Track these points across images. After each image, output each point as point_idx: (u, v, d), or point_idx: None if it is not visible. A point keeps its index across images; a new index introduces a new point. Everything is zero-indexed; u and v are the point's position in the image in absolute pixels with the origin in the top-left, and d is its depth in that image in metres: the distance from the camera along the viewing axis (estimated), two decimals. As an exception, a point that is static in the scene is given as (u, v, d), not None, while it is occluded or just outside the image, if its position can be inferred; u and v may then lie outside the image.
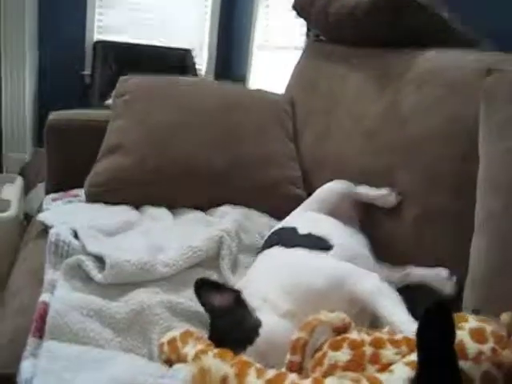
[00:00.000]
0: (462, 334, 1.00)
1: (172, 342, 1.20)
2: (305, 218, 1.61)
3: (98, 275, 1.35)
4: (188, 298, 1.41)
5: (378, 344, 1.00)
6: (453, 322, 0.81)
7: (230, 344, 1.13)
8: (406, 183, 1.65)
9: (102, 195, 1.82)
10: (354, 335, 1.02)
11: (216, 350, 1.11)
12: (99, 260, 1.39)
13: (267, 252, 1.48)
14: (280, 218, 1.86)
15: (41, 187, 2.24)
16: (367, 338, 1.02)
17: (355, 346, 0.99)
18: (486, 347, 0.97)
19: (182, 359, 1.16)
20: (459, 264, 1.36)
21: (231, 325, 1.20)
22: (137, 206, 1.85)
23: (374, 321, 1.29)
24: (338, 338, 1.02)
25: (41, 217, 1.69)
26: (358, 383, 0.91)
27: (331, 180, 1.89)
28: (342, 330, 1.05)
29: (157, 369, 1.05)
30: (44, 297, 1.28)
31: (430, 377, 0.77)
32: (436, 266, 1.50)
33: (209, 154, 1.90)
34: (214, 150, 1.91)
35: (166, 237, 1.60)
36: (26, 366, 1.08)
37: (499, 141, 1.22)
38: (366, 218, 1.73)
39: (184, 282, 1.46)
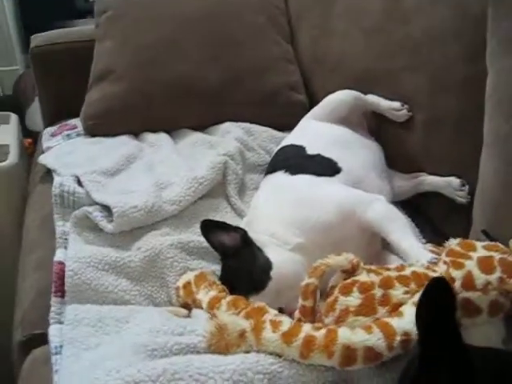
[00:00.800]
0: (470, 265, 1.01)
1: (187, 286, 1.23)
2: (315, 133, 1.54)
3: (107, 226, 1.35)
4: (198, 234, 1.43)
5: (387, 284, 1.02)
6: (453, 298, 0.81)
7: (242, 289, 1.17)
8: (411, 87, 1.57)
9: (100, 129, 1.78)
10: (363, 277, 1.03)
11: (229, 299, 1.14)
12: (106, 208, 1.39)
13: (273, 179, 1.44)
14: (284, 128, 1.83)
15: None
16: (376, 279, 1.03)
17: (365, 289, 1.01)
18: (494, 277, 0.99)
19: (197, 305, 1.20)
20: (471, 170, 1.33)
21: (242, 268, 1.21)
22: (136, 133, 1.81)
23: (385, 246, 1.31)
24: (348, 281, 1.03)
25: (42, 159, 1.67)
26: (370, 331, 0.94)
27: (332, 81, 1.82)
28: (351, 271, 1.06)
29: (176, 325, 1.08)
30: (59, 255, 1.30)
31: (431, 360, 0.78)
32: (449, 173, 1.48)
33: (202, 70, 1.82)
34: (207, 66, 1.82)
35: (169, 170, 1.58)
36: (53, 334, 1.13)
37: (506, 55, 1.13)
38: (374, 126, 1.67)
39: (193, 216, 1.46)
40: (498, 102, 1.15)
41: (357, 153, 1.49)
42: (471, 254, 1.03)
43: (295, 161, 1.44)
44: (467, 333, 1.01)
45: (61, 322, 1.18)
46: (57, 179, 1.48)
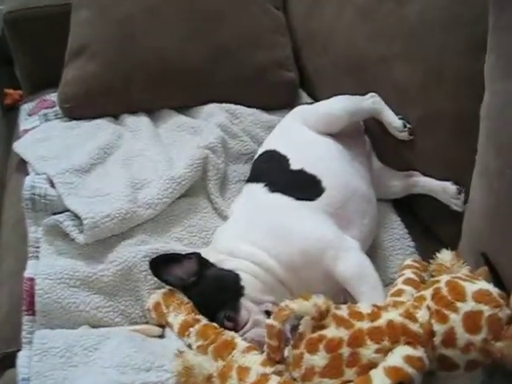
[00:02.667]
0: (455, 320, 0.96)
1: (157, 307, 1.21)
2: (302, 143, 1.42)
3: (78, 237, 1.30)
4: (175, 238, 1.38)
5: (356, 342, 0.96)
6: None
7: (217, 309, 1.13)
8: (404, 77, 1.46)
9: (76, 112, 1.69)
10: (331, 332, 0.97)
11: (198, 327, 1.11)
12: (76, 215, 1.34)
13: (251, 191, 1.36)
14: (272, 108, 1.74)
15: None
16: (345, 335, 0.97)
17: (332, 347, 0.96)
18: (478, 338, 0.94)
19: (170, 325, 1.18)
20: (468, 174, 1.25)
21: (210, 289, 1.17)
22: (115, 115, 1.72)
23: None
24: (315, 336, 0.98)
25: (16, 148, 1.61)
26: None
27: (323, 63, 1.71)
28: (318, 318, 1.01)
29: (143, 359, 1.06)
30: (29, 271, 1.26)
31: None
32: (444, 176, 1.39)
33: (184, 47, 1.70)
34: (189, 42, 1.70)
35: (146, 164, 1.51)
36: (21, 364, 1.10)
37: (503, 77, 1.03)
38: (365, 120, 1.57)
39: (170, 219, 1.41)
40: (489, 131, 1.06)
41: (345, 168, 1.37)
42: (459, 305, 0.97)
43: (276, 175, 1.35)
44: (442, 382, 1.00)
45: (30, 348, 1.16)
46: (28, 181, 1.41)
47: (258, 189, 1.33)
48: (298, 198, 1.27)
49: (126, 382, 1.01)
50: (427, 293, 1.03)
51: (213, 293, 1.17)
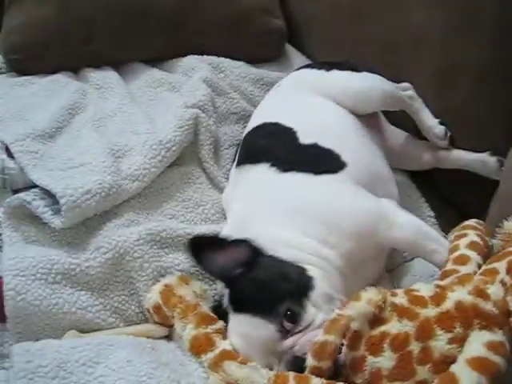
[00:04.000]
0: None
1: (157, 310, 0.99)
2: (311, 113, 1.19)
3: (54, 220, 1.04)
4: (169, 216, 1.15)
5: (425, 334, 0.80)
6: None
7: (273, 301, 0.89)
8: (422, 21, 1.27)
9: (26, 65, 1.40)
10: (394, 327, 0.80)
11: (220, 348, 0.89)
12: (49, 192, 1.07)
13: (254, 175, 1.11)
14: (259, 61, 1.54)
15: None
16: (411, 328, 0.80)
17: (398, 345, 0.79)
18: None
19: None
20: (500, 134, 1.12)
21: (268, 279, 0.91)
22: (75, 70, 1.43)
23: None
24: (376, 334, 0.80)
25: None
26: None
27: (317, 6, 1.50)
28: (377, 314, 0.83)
29: (167, 377, 0.85)
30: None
31: None
32: (469, 138, 1.24)
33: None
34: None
35: (124, 126, 1.25)
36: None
37: None
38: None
39: (161, 192, 1.19)
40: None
41: (364, 141, 1.17)
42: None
43: (284, 151, 1.11)
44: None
45: (4, 356, 0.92)
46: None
47: (264, 170, 1.09)
48: (318, 173, 1.05)
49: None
50: (500, 265, 0.88)
51: (273, 283, 0.91)
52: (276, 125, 1.16)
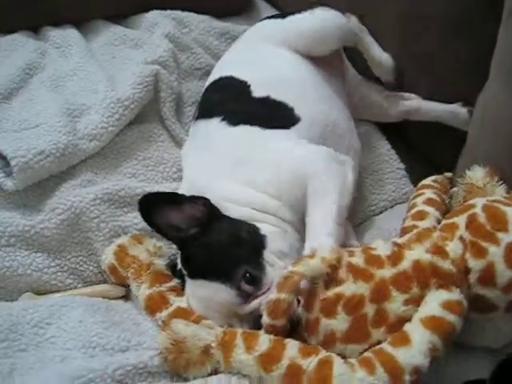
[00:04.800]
0: (495, 254, 0.79)
1: (113, 270, 0.98)
2: (265, 64, 1.15)
3: (6, 182, 1.02)
4: (129, 175, 1.14)
5: (380, 295, 0.78)
6: None
7: (229, 265, 0.87)
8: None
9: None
10: (348, 288, 0.78)
11: (173, 307, 0.89)
12: (2, 155, 1.04)
13: (205, 129, 1.08)
14: (225, 15, 1.49)
15: None
16: (366, 290, 0.78)
17: (352, 308, 0.77)
18: (522, 275, 0.78)
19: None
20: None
21: (222, 242, 0.89)
22: (34, 28, 1.39)
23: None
24: (330, 295, 0.78)
25: None
26: (372, 371, 0.72)
27: None
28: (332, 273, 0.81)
29: (117, 337, 0.83)
30: None
31: None
32: (438, 87, 1.21)
33: None
34: None
35: (82, 85, 1.22)
36: None
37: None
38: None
39: (120, 151, 1.16)
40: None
41: (322, 93, 1.13)
42: (500, 235, 0.79)
43: (236, 105, 1.07)
44: (475, 325, 0.84)
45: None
46: None
47: (214, 124, 1.06)
48: (268, 127, 1.02)
49: (98, 368, 0.78)
50: (460, 220, 0.85)
51: (226, 246, 0.89)
52: (231, 78, 1.12)
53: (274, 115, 1.04)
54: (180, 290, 0.93)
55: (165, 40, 1.32)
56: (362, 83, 1.30)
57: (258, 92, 1.07)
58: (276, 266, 0.88)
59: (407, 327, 0.76)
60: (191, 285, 0.90)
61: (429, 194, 0.97)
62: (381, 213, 1.19)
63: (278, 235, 0.91)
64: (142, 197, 0.92)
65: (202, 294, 0.88)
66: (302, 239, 0.92)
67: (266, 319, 0.79)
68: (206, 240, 0.90)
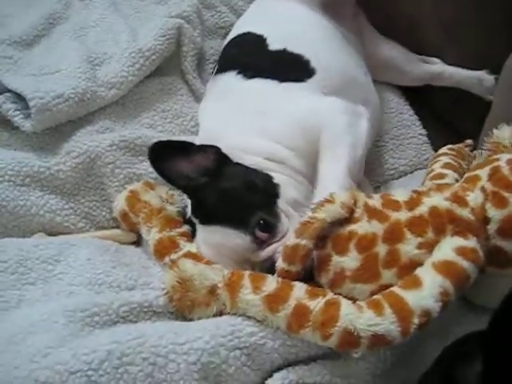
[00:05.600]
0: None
1: (124, 216, 0.97)
2: (280, 18, 1.14)
3: (24, 123, 1.02)
4: (147, 125, 1.13)
5: (394, 236, 0.76)
6: None
7: (244, 211, 0.86)
8: None
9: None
10: (362, 227, 0.77)
11: (185, 249, 0.89)
12: (22, 97, 1.04)
13: (221, 83, 1.07)
14: None
15: None
16: (379, 230, 0.76)
17: (364, 246, 0.76)
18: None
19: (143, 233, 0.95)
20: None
21: (235, 189, 0.88)
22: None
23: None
24: (344, 233, 0.77)
25: None
26: (380, 312, 0.70)
27: None
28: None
29: (124, 276, 0.83)
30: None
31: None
32: (466, 51, 1.18)
33: None
34: None
35: (105, 36, 1.21)
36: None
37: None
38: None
39: (139, 102, 1.16)
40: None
41: (339, 46, 1.11)
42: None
43: (252, 58, 1.07)
44: (491, 281, 0.82)
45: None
46: None
47: (230, 78, 1.05)
48: (284, 80, 1.01)
49: (103, 302, 0.77)
50: (482, 172, 0.83)
51: (241, 192, 0.88)
52: (248, 34, 1.12)
53: (290, 68, 1.03)
54: (191, 236, 0.92)
55: (190, -5, 1.30)
56: (383, 43, 1.27)
57: (274, 45, 1.06)
58: (290, 215, 0.87)
59: (419, 271, 0.74)
60: (203, 231, 0.89)
61: (446, 159, 0.95)
62: (400, 177, 1.17)
63: (291, 185, 0.90)
64: (151, 145, 0.91)
65: (215, 239, 0.87)
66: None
67: (281, 264, 0.78)
68: (219, 185, 0.88)
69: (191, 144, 0.92)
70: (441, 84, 1.24)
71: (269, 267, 0.83)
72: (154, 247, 0.91)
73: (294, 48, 1.05)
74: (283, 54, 1.05)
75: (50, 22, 1.25)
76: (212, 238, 0.87)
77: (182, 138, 1.11)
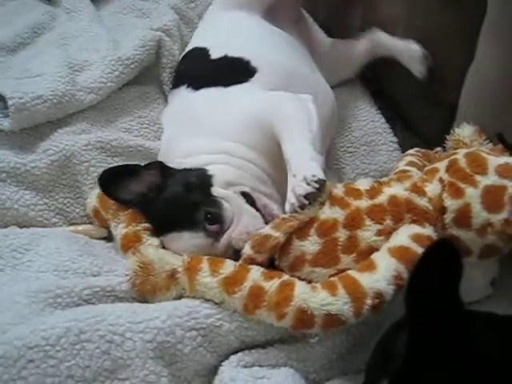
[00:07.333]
0: (473, 195, 0.80)
1: (96, 213, 1.00)
2: (220, 28, 1.21)
3: (3, 122, 1.06)
4: (123, 129, 1.16)
5: (354, 223, 0.80)
6: (460, 266, 0.59)
7: (188, 212, 0.90)
8: None
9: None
10: (324, 212, 0.80)
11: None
12: (2, 98, 1.08)
13: (175, 97, 1.14)
14: None
15: None
16: (340, 216, 0.80)
17: (325, 231, 0.79)
18: (498, 218, 0.78)
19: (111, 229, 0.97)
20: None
21: (176, 194, 0.92)
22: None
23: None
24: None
25: None
26: (334, 292, 0.73)
27: None
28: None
29: (90, 263, 0.86)
30: None
31: (428, 337, 0.58)
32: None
33: None
34: None
35: (87, 45, 1.26)
36: None
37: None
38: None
39: (117, 107, 1.19)
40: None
41: (279, 42, 1.17)
42: (478, 178, 0.81)
43: (198, 71, 1.14)
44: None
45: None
46: None
47: (181, 92, 1.12)
48: (227, 85, 1.06)
49: (66, 285, 0.79)
50: (441, 164, 0.87)
51: (180, 196, 0.92)
52: (194, 49, 1.20)
53: (232, 72, 1.08)
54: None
55: (171, 11, 1.36)
56: (328, 41, 1.35)
57: (215, 54, 1.13)
58: (230, 199, 0.90)
59: (375, 255, 0.77)
60: (164, 242, 0.92)
61: (410, 158, 0.99)
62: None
63: (226, 171, 0.94)
64: (100, 175, 0.95)
65: (176, 246, 0.89)
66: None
67: (247, 250, 0.80)
68: (163, 196, 0.92)
69: (136, 165, 0.96)
70: (382, 54, 1.30)
71: (232, 255, 0.85)
72: (121, 241, 0.93)
73: (234, 52, 1.11)
74: (224, 60, 1.11)
75: (34, 31, 1.30)
76: (173, 246, 0.90)
77: (158, 143, 1.14)
